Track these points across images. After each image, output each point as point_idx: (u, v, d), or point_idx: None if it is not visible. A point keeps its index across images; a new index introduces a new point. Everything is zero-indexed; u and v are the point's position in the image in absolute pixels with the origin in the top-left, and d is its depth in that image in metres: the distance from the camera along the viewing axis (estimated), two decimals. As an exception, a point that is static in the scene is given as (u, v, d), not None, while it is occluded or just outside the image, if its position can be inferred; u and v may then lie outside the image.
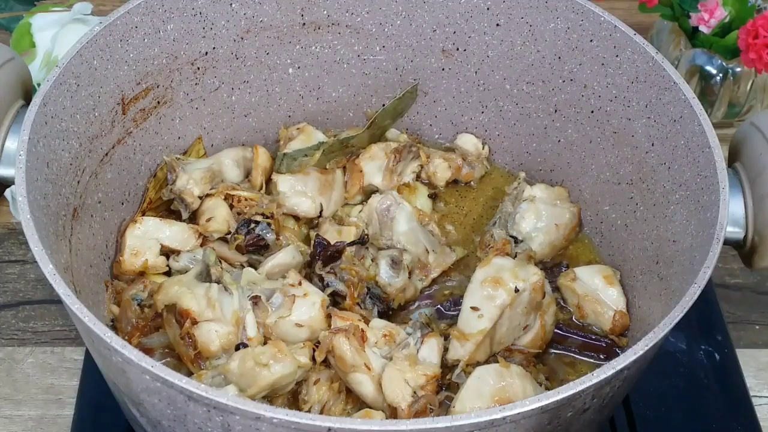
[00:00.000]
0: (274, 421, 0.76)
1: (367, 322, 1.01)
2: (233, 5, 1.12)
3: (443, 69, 1.20)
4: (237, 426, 0.79)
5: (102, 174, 1.05)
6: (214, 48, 1.13)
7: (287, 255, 1.05)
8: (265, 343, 0.97)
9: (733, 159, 1.02)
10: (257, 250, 1.08)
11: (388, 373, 0.95)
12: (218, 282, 1.00)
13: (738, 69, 1.37)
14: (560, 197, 1.16)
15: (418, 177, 1.20)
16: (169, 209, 1.13)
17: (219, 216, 1.09)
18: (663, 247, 1.03)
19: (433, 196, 1.19)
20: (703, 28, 1.34)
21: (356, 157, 1.17)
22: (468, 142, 1.22)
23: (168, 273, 1.07)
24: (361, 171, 1.16)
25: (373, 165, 1.16)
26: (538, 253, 1.11)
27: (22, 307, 1.22)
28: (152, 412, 0.87)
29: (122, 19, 1.04)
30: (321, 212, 1.14)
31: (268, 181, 1.16)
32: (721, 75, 1.38)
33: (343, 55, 1.19)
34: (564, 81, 1.13)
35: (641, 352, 0.82)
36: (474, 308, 1.00)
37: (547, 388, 0.97)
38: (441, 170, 1.19)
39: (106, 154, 1.06)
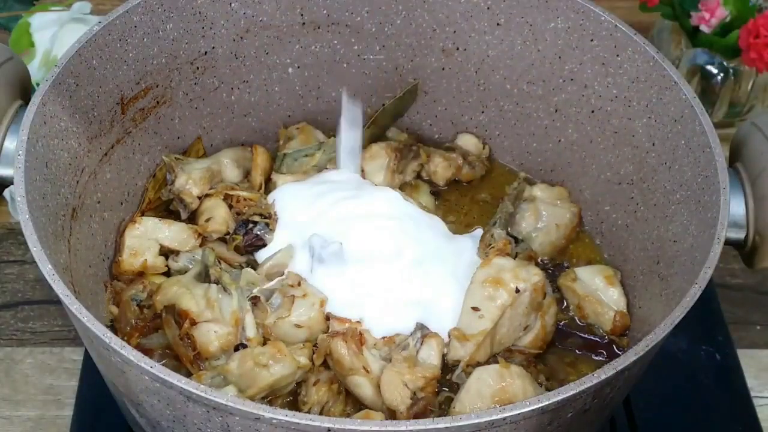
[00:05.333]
0: (274, 422, 0.76)
1: (366, 323, 1.01)
2: (233, 5, 1.11)
3: (443, 69, 1.19)
4: (236, 427, 0.79)
5: (101, 174, 1.05)
6: (213, 47, 1.13)
7: (286, 254, 1.05)
8: (264, 344, 0.97)
9: (734, 159, 1.02)
10: (256, 250, 1.08)
11: (386, 375, 0.95)
12: (217, 282, 1.00)
13: (739, 68, 1.37)
14: (561, 197, 1.15)
15: (418, 176, 1.20)
16: (168, 209, 1.13)
17: (218, 216, 1.09)
18: (664, 247, 1.03)
19: (435, 194, 1.19)
20: (704, 28, 1.34)
21: (356, 157, 1.17)
22: (468, 141, 1.22)
23: (167, 273, 1.07)
24: (362, 170, 1.16)
25: (374, 164, 1.16)
26: (538, 253, 1.11)
27: (21, 307, 1.22)
28: (151, 413, 0.87)
29: (121, 18, 1.03)
30: (321, 212, 1.14)
31: (268, 180, 1.16)
32: (722, 74, 1.38)
33: (343, 54, 1.19)
34: (564, 81, 1.13)
35: (642, 353, 0.82)
36: (474, 308, 1.00)
37: (548, 389, 0.97)
38: (441, 169, 1.19)
39: (105, 154, 1.06)
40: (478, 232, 1.12)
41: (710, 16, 1.33)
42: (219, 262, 1.04)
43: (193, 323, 0.97)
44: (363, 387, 0.96)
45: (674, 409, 1.13)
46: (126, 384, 0.86)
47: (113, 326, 1.03)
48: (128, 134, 1.09)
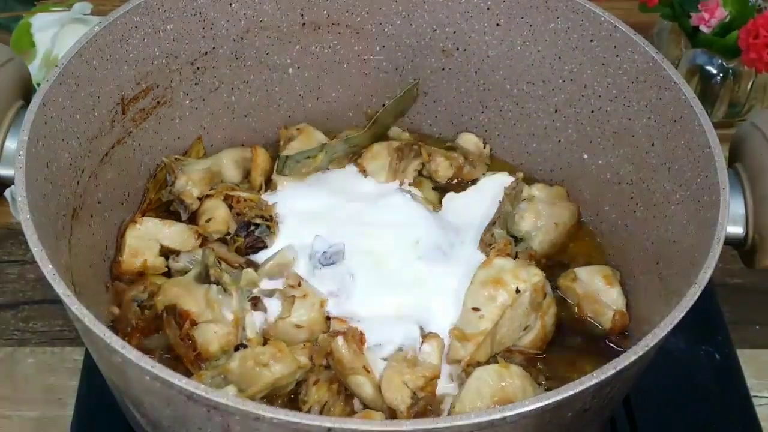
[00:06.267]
0: (274, 422, 0.76)
1: (367, 322, 1.01)
2: (233, 5, 1.12)
3: (443, 69, 1.20)
4: (236, 426, 0.79)
5: (102, 174, 1.05)
6: (213, 48, 1.13)
7: (286, 255, 1.05)
8: (264, 344, 0.97)
9: (733, 159, 1.02)
10: (257, 251, 1.08)
11: (386, 375, 0.95)
12: (218, 283, 1.00)
13: (739, 69, 1.37)
14: (559, 196, 1.16)
15: (419, 175, 1.20)
16: (168, 210, 1.13)
17: (218, 217, 1.09)
18: (663, 247, 1.03)
19: (437, 189, 1.19)
20: (703, 28, 1.34)
21: (358, 157, 1.17)
22: (469, 141, 1.22)
23: (167, 273, 1.07)
24: (364, 170, 1.16)
25: (375, 164, 1.16)
26: (537, 252, 1.11)
27: (21, 307, 1.22)
28: (152, 413, 0.87)
29: (122, 19, 1.04)
30: (321, 213, 1.14)
31: (268, 181, 1.16)
32: (721, 75, 1.38)
33: (343, 55, 1.19)
34: (564, 81, 1.13)
35: (641, 353, 0.82)
36: (475, 308, 1.00)
37: (547, 389, 0.97)
38: (443, 168, 1.19)
39: (106, 154, 1.06)
40: (480, 223, 1.12)
41: (710, 17, 1.33)
42: (219, 262, 1.04)
43: (194, 324, 0.97)
44: (363, 386, 0.96)
45: (674, 409, 1.13)
46: (127, 384, 0.86)
47: (114, 326, 1.03)
48: (129, 134, 1.09)
